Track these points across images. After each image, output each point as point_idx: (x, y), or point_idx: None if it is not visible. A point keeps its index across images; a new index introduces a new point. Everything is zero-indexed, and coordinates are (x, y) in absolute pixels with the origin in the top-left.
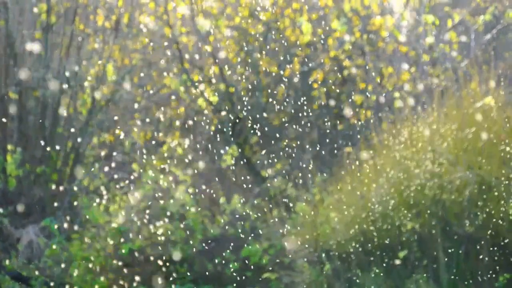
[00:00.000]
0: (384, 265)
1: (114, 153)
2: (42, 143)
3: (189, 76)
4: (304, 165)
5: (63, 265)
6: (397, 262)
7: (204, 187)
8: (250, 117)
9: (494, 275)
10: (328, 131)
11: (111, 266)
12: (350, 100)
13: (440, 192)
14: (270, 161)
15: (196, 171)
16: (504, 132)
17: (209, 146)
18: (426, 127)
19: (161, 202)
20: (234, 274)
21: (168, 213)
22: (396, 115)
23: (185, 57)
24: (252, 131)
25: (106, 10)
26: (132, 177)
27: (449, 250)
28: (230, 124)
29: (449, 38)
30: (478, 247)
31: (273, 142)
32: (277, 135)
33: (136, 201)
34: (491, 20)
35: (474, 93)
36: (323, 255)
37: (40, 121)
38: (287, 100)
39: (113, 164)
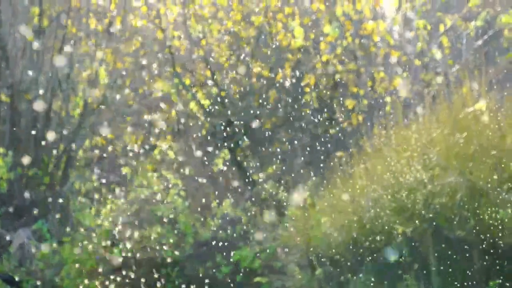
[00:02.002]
0: (375, 269)
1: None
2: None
3: (181, 79)
4: (295, 169)
5: (54, 268)
6: (388, 266)
7: (195, 190)
8: (241, 121)
9: (484, 280)
10: (319, 135)
11: (102, 269)
12: (342, 104)
13: (431, 197)
14: (261, 165)
15: (187, 175)
16: (495, 137)
17: (201, 149)
18: (418, 132)
19: (153, 205)
20: (225, 278)
21: (159, 217)
22: (388, 120)
23: (177, 60)
24: (243, 135)
25: (98, 14)
26: (123, 181)
27: (440, 254)
28: (221, 128)
29: (441, 43)
30: (468, 251)
31: (264, 146)
32: (269, 139)
33: (127, 204)
34: (483, 25)
35: (466, 98)
36: (314, 259)
37: (32, 124)
38: (279, 104)
39: (105, 167)
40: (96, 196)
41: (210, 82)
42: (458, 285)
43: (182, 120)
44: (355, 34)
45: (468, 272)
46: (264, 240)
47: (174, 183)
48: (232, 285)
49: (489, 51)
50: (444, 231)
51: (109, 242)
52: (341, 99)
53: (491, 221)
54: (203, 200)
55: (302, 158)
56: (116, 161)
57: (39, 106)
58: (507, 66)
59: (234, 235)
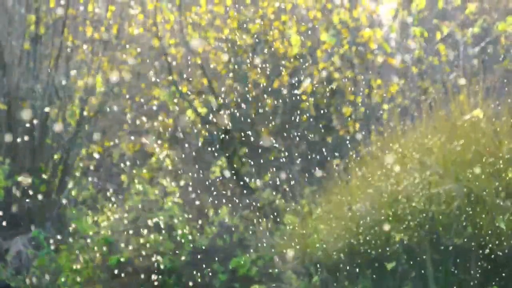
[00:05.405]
0: (373, 277)
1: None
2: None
3: (178, 87)
4: (292, 177)
5: (51, 276)
6: (386, 274)
7: (192, 198)
8: (238, 129)
9: (482, 287)
10: (316, 143)
11: (99, 277)
12: (338, 112)
13: (428, 204)
14: (258, 172)
15: (184, 183)
16: (493, 144)
17: (198, 157)
18: (415, 139)
19: (150, 213)
20: (223, 285)
21: (156, 224)
22: (385, 127)
23: (174, 68)
24: (240, 143)
25: (95, 22)
26: (120, 188)
27: (438, 262)
28: (218, 136)
29: (437, 50)
30: (466, 259)
31: (261, 153)
32: (266, 146)
33: (124, 212)
34: (480, 32)
35: (463, 105)
36: (311, 266)
37: (29, 132)
38: (276, 112)
39: (101, 175)
40: (93, 204)
41: (207, 90)
42: None
43: (179, 128)
44: (352, 42)
45: (465, 279)
46: (261, 248)
47: (171, 191)
48: None
49: (486, 58)
50: (442, 239)
51: (106, 250)
52: (338, 106)
53: (488, 228)
54: (200, 208)
55: (299, 166)
56: (113, 169)
57: (36, 113)
58: (503, 73)
59: (231, 242)
